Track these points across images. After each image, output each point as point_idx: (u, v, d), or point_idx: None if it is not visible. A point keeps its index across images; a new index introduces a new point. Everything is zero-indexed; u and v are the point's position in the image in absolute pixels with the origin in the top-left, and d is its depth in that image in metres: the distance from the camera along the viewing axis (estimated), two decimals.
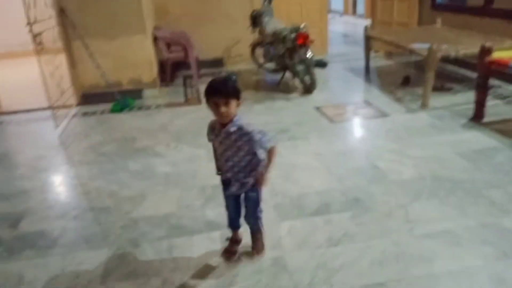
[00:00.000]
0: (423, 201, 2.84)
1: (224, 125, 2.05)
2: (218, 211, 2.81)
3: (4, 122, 4.96)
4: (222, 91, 1.96)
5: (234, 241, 2.48)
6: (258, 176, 2.19)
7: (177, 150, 3.86)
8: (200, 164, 3.50)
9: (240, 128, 2.05)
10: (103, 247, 2.55)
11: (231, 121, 2.04)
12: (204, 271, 2.31)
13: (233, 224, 2.45)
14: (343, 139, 4.01)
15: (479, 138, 3.73)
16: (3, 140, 4.43)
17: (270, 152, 2.14)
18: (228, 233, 2.50)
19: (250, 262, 2.36)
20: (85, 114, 5.09)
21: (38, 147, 4.16)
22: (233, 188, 2.24)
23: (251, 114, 4.57)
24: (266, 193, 2.99)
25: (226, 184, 2.27)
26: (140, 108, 5.18)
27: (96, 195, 3.15)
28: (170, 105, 5.19)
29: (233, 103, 1.99)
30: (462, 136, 3.80)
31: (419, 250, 2.39)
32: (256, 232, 2.44)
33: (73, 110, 5.20)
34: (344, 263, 2.32)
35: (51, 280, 2.31)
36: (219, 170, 2.29)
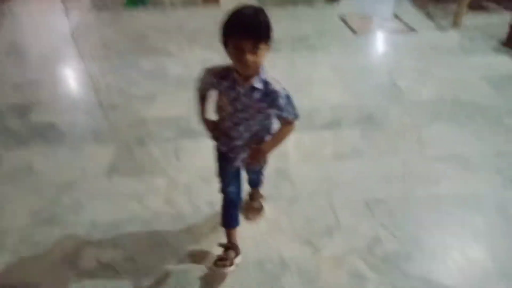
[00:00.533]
0: (439, 124, 2.74)
1: (246, 78, 1.48)
2: None
3: (16, 12, 4.81)
4: (251, 31, 1.36)
5: (230, 246, 1.80)
6: (255, 150, 1.65)
7: (190, 51, 3.72)
8: None
9: (266, 85, 1.50)
10: (110, 143, 2.57)
11: (256, 73, 1.48)
12: (210, 175, 2.33)
13: (231, 219, 1.83)
14: (365, 53, 3.81)
15: (509, 64, 3.49)
16: (15, 30, 4.32)
17: (286, 126, 1.61)
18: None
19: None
20: (98, 7, 4.88)
21: (49, 39, 4.05)
22: (239, 161, 1.72)
23: None
24: None
25: (226, 157, 1.72)
26: (155, 5, 4.93)
27: (106, 92, 3.12)
28: (186, 3, 4.93)
29: (264, 48, 1.41)
30: (491, 60, 3.56)
31: (427, 172, 2.35)
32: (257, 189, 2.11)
33: (86, 3, 4.99)
34: (348, 178, 2.31)
35: (59, 171, 2.36)
36: (216, 136, 1.72)
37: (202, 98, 1.71)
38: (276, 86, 1.51)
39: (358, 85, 3.20)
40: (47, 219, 2.06)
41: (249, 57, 1.38)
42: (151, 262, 1.86)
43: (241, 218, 1.90)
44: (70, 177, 2.31)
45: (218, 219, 1.82)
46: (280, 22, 4.31)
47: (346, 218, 2.06)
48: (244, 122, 1.59)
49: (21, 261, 1.85)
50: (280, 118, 1.59)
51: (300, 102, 2.92)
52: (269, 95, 1.50)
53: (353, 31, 4.15)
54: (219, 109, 1.64)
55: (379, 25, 4.35)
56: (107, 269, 1.82)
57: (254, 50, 1.38)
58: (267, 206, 2.12)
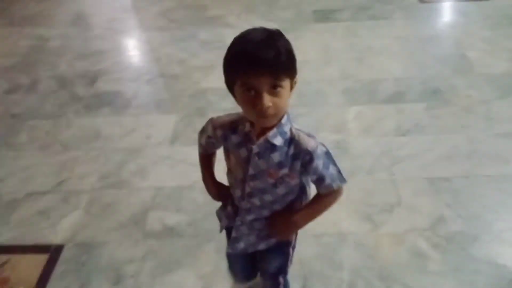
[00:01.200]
0: (510, 99, 2.56)
1: (261, 130, 1.06)
2: None
3: None
4: (268, 62, 0.93)
5: None
6: (281, 219, 1.21)
7: (248, 21, 3.69)
8: None
9: (291, 141, 1.06)
10: (172, 113, 2.64)
11: (275, 124, 1.04)
12: None
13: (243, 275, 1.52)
14: (432, 22, 3.59)
15: None
16: (79, 2, 4.48)
17: (329, 196, 1.16)
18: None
19: None
20: None
21: (111, 9, 4.16)
22: (243, 243, 1.27)
23: None
24: (336, 76, 2.87)
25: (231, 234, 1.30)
26: None
27: (166, 62, 3.18)
28: None
29: (287, 86, 0.99)
30: None
31: (495, 149, 2.22)
32: None
33: None
34: (410, 153, 2.23)
35: (125, 137, 2.47)
36: (223, 202, 1.31)
37: (205, 158, 1.30)
38: (307, 142, 1.05)
39: (423, 56, 3.05)
40: (115, 182, 2.17)
41: (267, 101, 0.95)
42: (212, 228, 1.92)
43: None
44: (135, 143, 2.40)
45: None
46: None
47: (408, 195, 2.01)
48: (259, 194, 1.15)
49: (92, 220, 1.99)
50: (318, 186, 1.14)
51: (361, 73, 2.91)
52: (297, 157, 1.06)
53: None
54: (228, 172, 1.22)
55: None
56: (172, 233, 1.91)
57: (274, 90, 0.96)
58: None
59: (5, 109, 2.79)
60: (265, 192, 1.14)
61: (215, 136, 1.16)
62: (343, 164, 2.12)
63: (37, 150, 2.43)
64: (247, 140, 1.09)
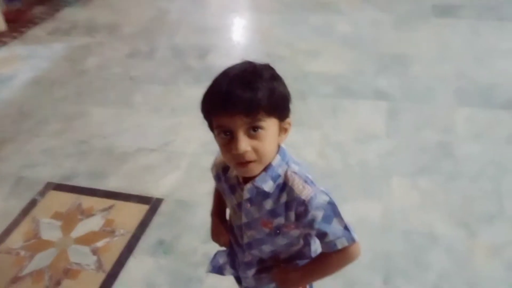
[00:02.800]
0: None
1: (250, 177, 0.91)
2: (390, 82, 2.67)
3: None
4: (241, 101, 0.80)
5: None
6: (281, 272, 1.04)
7: (362, 10, 3.61)
8: (383, 30, 3.25)
9: (284, 187, 0.91)
10: None
11: (264, 168, 0.89)
12: (364, 136, 2.31)
13: None
14: None
15: None
16: None
17: (336, 255, 0.94)
18: None
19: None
20: None
21: None
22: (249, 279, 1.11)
23: None
24: (449, 74, 2.71)
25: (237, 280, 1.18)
26: None
27: (274, 43, 3.25)
28: None
29: (271, 127, 0.84)
30: None
31: None
32: None
33: None
34: None
35: None
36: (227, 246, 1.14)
37: (217, 192, 1.15)
38: (301, 189, 0.88)
39: None
40: (214, 151, 2.25)
41: (244, 144, 0.81)
42: None
43: None
44: None
45: (368, 179, 1.81)
46: None
47: None
48: (257, 246, 1.01)
49: (190, 182, 2.13)
50: (320, 242, 0.95)
51: (478, 75, 2.71)
52: (291, 207, 0.90)
53: None
54: (229, 217, 1.10)
55: None
56: None
57: (254, 132, 0.82)
58: (423, 178, 2.02)
59: (125, 71, 3.07)
60: (264, 243, 1.00)
61: (214, 176, 1.04)
62: (444, 166, 2.07)
63: (149, 111, 2.65)
64: (238, 184, 0.95)
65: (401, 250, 1.73)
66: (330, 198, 0.90)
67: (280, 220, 0.93)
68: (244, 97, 0.79)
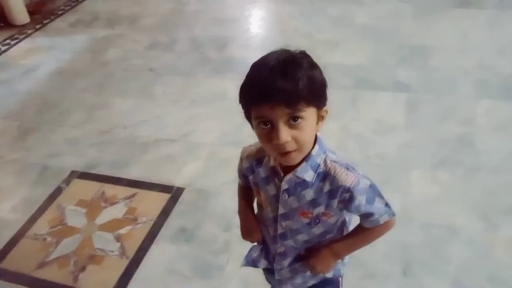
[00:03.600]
0: None
1: (288, 167, 0.93)
2: (410, 74, 2.65)
3: None
4: (283, 88, 0.79)
5: None
6: (317, 258, 1.05)
7: (380, 1, 3.57)
8: (403, 21, 3.21)
9: (326, 176, 0.93)
10: None
11: (304, 158, 0.91)
12: (383, 128, 2.30)
13: None
14: None
15: None
16: None
17: (376, 229, 1.00)
18: None
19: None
20: None
21: None
22: (290, 286, 1.15)
23: None
24: (471, 66, 2.67)
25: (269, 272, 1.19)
26: None
27: (292, 34, 3.24)
28: None
29: (311, 117, 0.85)
30: None
31: None
32: None
33: None
34: None
35: None
36: (255, 238, 1.14)
37: (244, 189, 1.13)
38: (345, 177, 0.91)
39: None
40: (233, 141, 2.31)
41: (285, 134, 0.82)
42: None
43: None
44: None
45: (387, 171, 1.81)
46: None
47: None
48: (292, 236, 1.03)
49: (210, 171, 2.16)
50: (363, 220, 1.00)
51: (500, 66, 2.67)
52: (334, 195, 0.92)
53: None
54: (259, 208, 1.10)
55: None
56: None
57: (294, 122, 0.82)
58: (443, 170, 2.01)
59: (145, 62, 3.11)
60: (300, 232, 1.01)
61: (243, 168, 1.04)
62: (464, 158, 2.06)
63: (169, 102, 2.69)
64: (274, 174, 0.96)
65: (421, 242, 1.73)
66: (371, 181, 0.94)
67: (320, 209, 0.95)
68: (285, 88, 0.79)
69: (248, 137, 2.49)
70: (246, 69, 2.97)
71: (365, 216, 0.97)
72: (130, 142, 2.41)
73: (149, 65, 3.07)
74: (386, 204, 0.97)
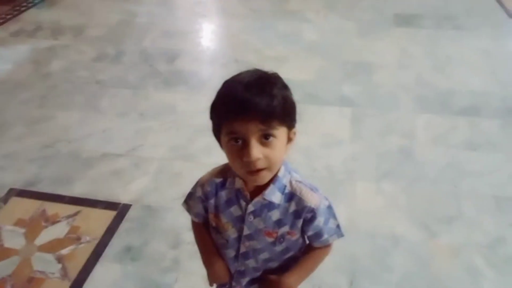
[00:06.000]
0: None
1: (254, 189, 0.94)
2: (355, 89, 2.76)
3: None
4: (258, 103, 0.80)
5: None
6: (273, 283, 1.05)
7: (327, 19, 3.70)
8: (348, 39, 3.35)
9: (291, 197, 0.95)
10: None
11: (271, 180, 0.92)
12: (330, 141, 2.37)
13: None
14: None
15: None
16: None
17: (323, 250, 1.05)
18: None
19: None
20: None
21: None
22: None
23: None
24: (410, 81, 2.82)
25: None
26: None
27: (242, 49, 3.28)
28: None
29: (282, 136, 0.86)
30: None
31: None
32: None
33: None
34: (478, 169, 2.16)
35: (197, 114, 2.56)
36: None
37: (202, 228, 1.09)
38: (310, 198, 0.94)
39: (506, 73, 2.91)
40: (183, 155, 2.30)
41: (256, 152, 0.81)
42: None
43: None
44: (206, 122, 2.46)
45: (333, 183, 1.86)
46: None
47: (470, 210, 1.95)
48: (254, 255, 1.02)
49: (159, 187, 2.12)
50: (313, 240, 1.02)
51: (437, 82, 2.83)
52: (299, 215, 0.95)
53: (509, 13, 3.72)
54: (215, 232, 1.05)
55: None
56: None
57: (266, 140, 0.82)
58: (386, 182, 2.10)
59: (91, 74, 3.02)
60: (263, 251, 1.01)
61: (204, 193, 1.00)
62: (405, 170, 2.16)
63: (116, 115, 2.62)
64: (239, 197, 0.95)
65: (366, 252, 1.79)
66: (329, 202, 0.99)
67: (286, 228, 0.97)
68: (261, 103, 0.80)
69: (198, 150, 2.49)
70: (196, 83, 3.00)
71: (316, 236, 1.00)
72: (74, 157, 2.32)
73: (95, 77, 2.98)
74: (338, 226, 1.01)
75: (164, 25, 3.65)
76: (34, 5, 4.04)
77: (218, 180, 0.99)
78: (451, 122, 2.47)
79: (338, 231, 1.02)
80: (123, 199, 2.06)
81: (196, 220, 1.08)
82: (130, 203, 2.03)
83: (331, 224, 1.00)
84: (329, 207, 0.98)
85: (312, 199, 0.94)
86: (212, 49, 3.37)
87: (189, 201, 1.07)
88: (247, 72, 0.87)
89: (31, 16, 3.87)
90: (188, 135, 2.43)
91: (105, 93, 2.82)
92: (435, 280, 1.68)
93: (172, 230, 1.88)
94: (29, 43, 3.42)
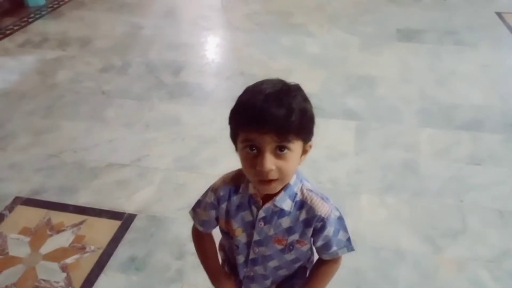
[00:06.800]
0: None
1: (266, 195, 0.95)
2: (358, 102, 2.78)
3: None
4: (275, 117, 0.81)
5: None
6: None
7: (330, 32, 3.74)
8: (350, 52, 3.39)
9: (302, 205, 0.96)
10: None
11: (283, 187, 0.93)
12: (335, 154, 2.38)
13: None
14: None
15: None
16: None
17: (333, 264, 1.06)
18: None
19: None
20: None
21: (202, 7, 4.39)
22: None
23: (416, 7, 4.12)
24: (413, 95, 2.85)
25: None
26: None
27: (247, 62, 3.32)
28: None
29: (297, 149, 0.86)
30: None
31: None
32: None
33: None
34: (482, 183, 2.17)
35: (201, 126, 2.61)
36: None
37: (209, 238, 1.12)
38: (321, 207, 0.94)
39: (506, 88, 2.95)
40: (187, 166, 2.31)
41: (269, 163, 0.82)
42: None
43: None
44: (210, 134, 2.53)
45: (338, 196, 1.87)
46: (429, 11, 4.12)
47: (475, 223, 1.96)
48: (263, 262, 1.04)
49: (163, 197, 2.13)
50: (322, 251, 1.02)
51: (439, 96, 2.86)
52: (309, 224, 0.96)
53: (510, 28, 3.77)
54: (226, 237, 1.07)
55: None
56: None
57: (280, 152, 0.83)
58: (390, 195, 2.11)
59: (97, 85, 3.05)
60: (272, 259, 1.02)
61: (218, 198, 1.00)
62: (409, 183, 2.17)
63: (122, 126, 2.64)
64: (251, 202, 0.96)
65: (371, 265, 1.79)
66: (340, 213, 0.98)
67: (295, 236, 0.98)
68: (278, 116, 0.80)
69: (203, 161, 2.51)
70: (201, 95, 3.04)
71: (325, 247, 1.00)
72: (80, 167, 2.33)
73: (101, 88, 3.01)
74: (348, 239, 1.01)
75: (169, 38, 3.70)
76: (41, 16, 4.10)
77: (232, 184, 0.99)
78: (454, 136, 2.49)
79: (348, 245, 1.02)
80: (128, 209, 2.06)
81: (201, 229, 1.08)
82: (135, 213, 2.04)
83: (341, 236, 1.00)
84: (340, 218, 0.99)
85: (322, 208, 0.94)
86: (217, 61, 3.41)
87: (197, 209, 1.07)
88: (270, 81, 0.88)
89: (37, 27, 3.92)
90: (192, 146, 2.45)
91: (111, 104, 2.84)
92: None
93: (176, 241, 1.89)
94: (36, 54, 3.46)
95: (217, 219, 1.05)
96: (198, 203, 1.07)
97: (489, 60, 3.26)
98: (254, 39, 3.65)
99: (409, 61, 3.25)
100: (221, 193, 1.00)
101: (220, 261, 1.19)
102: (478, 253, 1.83)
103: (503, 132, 2.51)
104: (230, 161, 2.45)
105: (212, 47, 3.68)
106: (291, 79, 3.09)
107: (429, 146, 2.42)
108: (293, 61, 3.31)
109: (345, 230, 1.01)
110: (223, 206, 1.00)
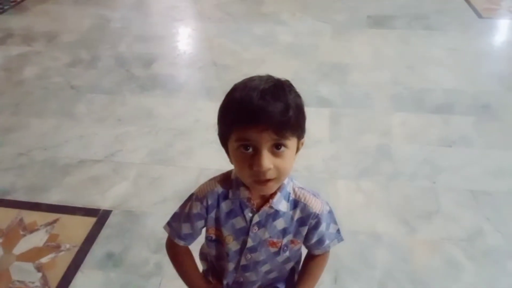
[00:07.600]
0: None
1: (262, 196, 0.91)
2: (331, 90, 2.79)
3: None
4: (273, 113, 0.77)
5: None
6: None
7: (302, 20, 3.74)
8: (323, 40, 3.40)
9: (296, 204, 0.93)
10: (221, 101, 2.72)
11: (278, 189, 0.90)
12: (309, 141, 2.38)
13: None
14: (488, 38, 3.53)
15: None
16: None
17: (324, 257, 1.06)
18: None
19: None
20: None
21: None
22: None
23: None
24: (385, 81, 2.88)
25: None
26: None
27: (219, 52, 3.29)
28: None
29: (292, 146, 0.83)
30: None
31: None
32: None
33: None
34: (453, 164, 2.22)
35: (175, 118, 2.58)
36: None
37: (185, 252, 1.06)
38: (314, 204, 0.93)
39: (476, 71, 3.01)
40: (162, 159, 2.28)
41: (267, 162, 0.78)
42: None
43: None
44: (184, 126, 2.50)
45: (314, 183, 1.88)
46: None
47: (448, 204, 2.00)
48: (254, 267, 1.00)
49: (138, 192, 2.09)
50: (315, 247, 1.01)
51: (410, 81, 2.91)
52: (305, 223, 0.94)
53: (478, 13, 3.85)
54: (211, 244, 1.01)
55: (509, 9, 3.98)
56: None
57: (277, 150, 0.80)
58: (366, 180, 2.13)
59: (66, 80, 2.97)
60: (264, 263, 0.99)
61: (206, 208, 0.94)
62: (383, 167, 2.20)
63: (93, 121, 2.58)
64: (243, 207, 0.92)
65: (349, 249, 1.80)
66: (330, 207, 0.98)
67: (290, 237, 0.96)
68: (276, 113, 0.76)
69: (178, 154, 2.47)
70: (174, 86, 2.98)
71: (319, 243, 0.99)
72: (51, 164, 2.27)
73: (70, 83, 2.93)
74: (338, 230, 1.01)
75: (139, 30, 3.63)
76: (4, 11, 3.95)
77: (220, 191, 0.93)
78: (425, 119, 2.54)
79: (338, 236, 1.02)
80: (103, 205, 2.02)
81: (182, 243, 1.01)
82: (110, 209, 2.00)
83: (332, 229, 1.00)
84: (330, 212, 0.98)
85: (316, 205, 0.93)
86: (188, 53, 3.36)
87: (173, 223, 1.00)
88: (260, 78, 0.83)
89: (0, 22, 3.77)
90: (166, 139, 2.41)
91: (81, 99, 2.77)
92: (416, 274, 1.71)
93: (153, 235, 1.86)
94: (0, 50, 3.33)
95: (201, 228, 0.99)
96: (176, 217, 1.00)
97: (458, 44, 3.33)
98: (226, 29, 3.62)
99: (380, 47, 3.28)
100: (210, 202, 0.93)
101: (201, 269, 1.14)
102: (451, 233, 1.87)
103: (474, 114, 2.57)
104: (206, 152, 2.45)
105: (183, 38, 3.63)
106: (263, 68, 3.09)
107: (402, 130, 2.46)
108: (265, 50, 3.30)
109: (335, 222, 1.00)
110: (212, 214, 0.95)
